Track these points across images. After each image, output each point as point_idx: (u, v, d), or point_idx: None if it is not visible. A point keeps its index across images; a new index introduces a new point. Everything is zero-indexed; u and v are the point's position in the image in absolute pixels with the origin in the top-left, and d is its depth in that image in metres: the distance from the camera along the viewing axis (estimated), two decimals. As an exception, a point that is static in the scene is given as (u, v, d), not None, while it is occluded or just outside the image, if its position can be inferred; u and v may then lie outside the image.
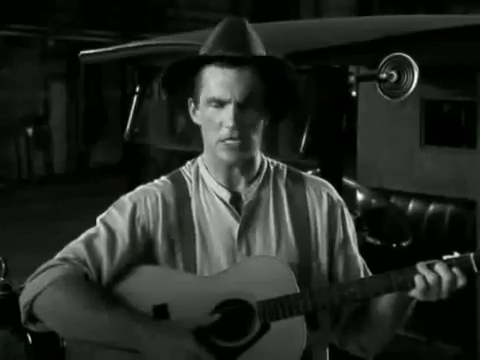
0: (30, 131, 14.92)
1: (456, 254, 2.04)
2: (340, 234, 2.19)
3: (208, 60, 2.08)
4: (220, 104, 2.06)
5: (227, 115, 2.05)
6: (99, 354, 2.08)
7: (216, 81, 2.06)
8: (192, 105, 2.15)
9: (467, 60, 3.53)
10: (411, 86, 2.61)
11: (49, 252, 2.18)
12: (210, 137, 2.09)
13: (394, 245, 3.89)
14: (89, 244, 2.11)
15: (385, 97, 2.65)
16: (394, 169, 4.32)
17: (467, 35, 3.26)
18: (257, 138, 2.11)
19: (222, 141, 2.07)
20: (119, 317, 2.02)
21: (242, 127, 2.06)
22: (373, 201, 4.13)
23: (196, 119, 2.15)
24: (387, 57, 2.63)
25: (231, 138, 2.05)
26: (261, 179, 2.17)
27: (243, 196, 2.15)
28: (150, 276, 2.12)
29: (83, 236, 2.14)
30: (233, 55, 2.05)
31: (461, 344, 3.94)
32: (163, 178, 2.22)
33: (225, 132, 2.06)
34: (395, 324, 2.15)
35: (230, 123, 2.05)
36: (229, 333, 2.04)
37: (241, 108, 2.06)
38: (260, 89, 2.08)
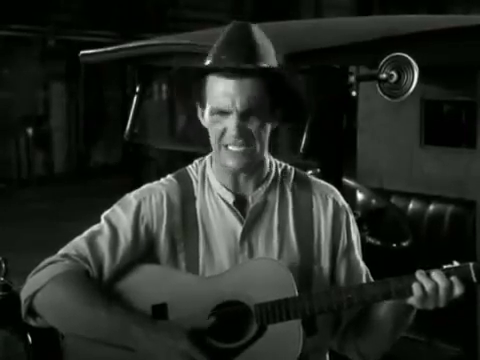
0: (30, 131, 14.92)
1: (456, 263, 2.03)
2: (344, 240, 2.19)
3: (207, 71, 2.08)
4: (223, 114, 2.06)
5: (230, 124, 2.05)
6: (96, 350, 2.08)
7: (218, 91, 2.05)
8: (200, 109, 2.16)
9: (467, 60, 3.53)
10: (411, 86, 2.61)
11: (49, 252, 2.19)
12: (214, 143, 2.10)
13: (394, 245, 3.89)
14: (91, 241, 2.12)
15: (385, 97, 2.65)
16: (394, 169, 4.32)
17: (467, 35, 3.26)
18: (264, 144, 2.11)
19: (226, 147, 2.07)
20: (117, 316, 2.02)
21: (246, 136, 2.06)
22: (373, 201, 4.12)
23: (204, 122, 2.16)
24: (387, 57, 2.63)
25: (235, 145, 2.06)
26: (269, 182, 2.17)
27: (249, 199, 2.15)
28: (151, 275, 2.12)
29: (86, 233, 2.15)
30: (235, 67, 2.04)
31: (461, 345, 3.93)
32: (169, 177, 2.22)
33: (229, 139, 2.06)
34: (395, 332, 2.15)
35: (233, 132, 2.05)
36: (225, 335, 2.04)
37: (244, 117, 2.05)
38: (263, 98, 2.07)
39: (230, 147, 2.07)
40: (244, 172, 2.12)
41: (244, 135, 2.05)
